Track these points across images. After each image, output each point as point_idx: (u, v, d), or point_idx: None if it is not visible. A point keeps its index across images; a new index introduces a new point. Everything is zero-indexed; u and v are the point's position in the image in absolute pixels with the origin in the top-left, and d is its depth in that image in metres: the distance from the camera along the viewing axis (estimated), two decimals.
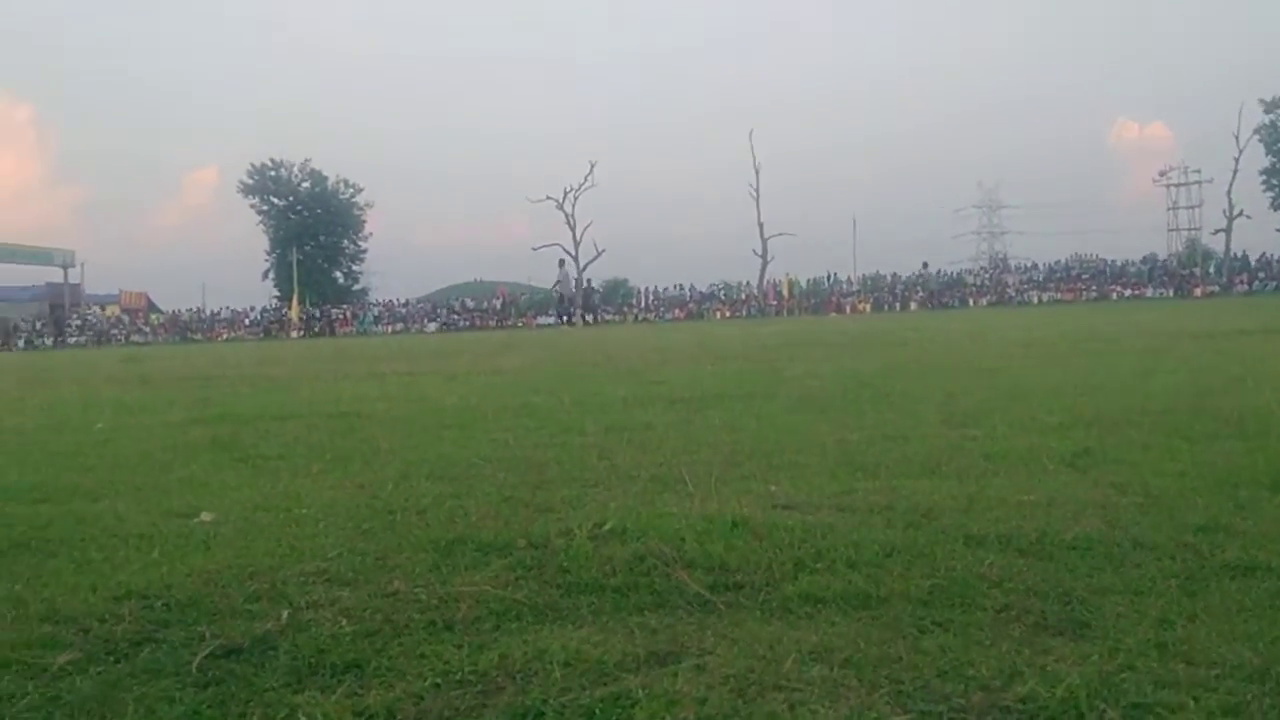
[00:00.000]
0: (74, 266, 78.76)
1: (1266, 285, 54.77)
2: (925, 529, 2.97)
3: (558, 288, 46.89)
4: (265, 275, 77.85)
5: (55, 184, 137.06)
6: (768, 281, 67.09)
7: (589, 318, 52.61)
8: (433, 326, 63.64)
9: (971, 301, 58.64)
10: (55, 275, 78.83)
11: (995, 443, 4.44)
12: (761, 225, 69.91)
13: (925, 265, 64.10)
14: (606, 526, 3.01)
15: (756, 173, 68.56)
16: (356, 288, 79.41)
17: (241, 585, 2.61)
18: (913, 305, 59.03)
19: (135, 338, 63.26)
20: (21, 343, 60.44)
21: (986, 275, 64.69)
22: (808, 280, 65.85)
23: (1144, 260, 61.26)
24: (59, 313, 71.22)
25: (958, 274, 65.24)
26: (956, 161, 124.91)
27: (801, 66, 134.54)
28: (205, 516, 3.43)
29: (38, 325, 67.54)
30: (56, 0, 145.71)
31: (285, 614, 2.35)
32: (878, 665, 1.98)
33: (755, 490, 3.58)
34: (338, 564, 2.79)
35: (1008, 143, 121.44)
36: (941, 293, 60.54)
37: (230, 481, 4.21)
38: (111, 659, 2.16)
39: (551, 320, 59.22)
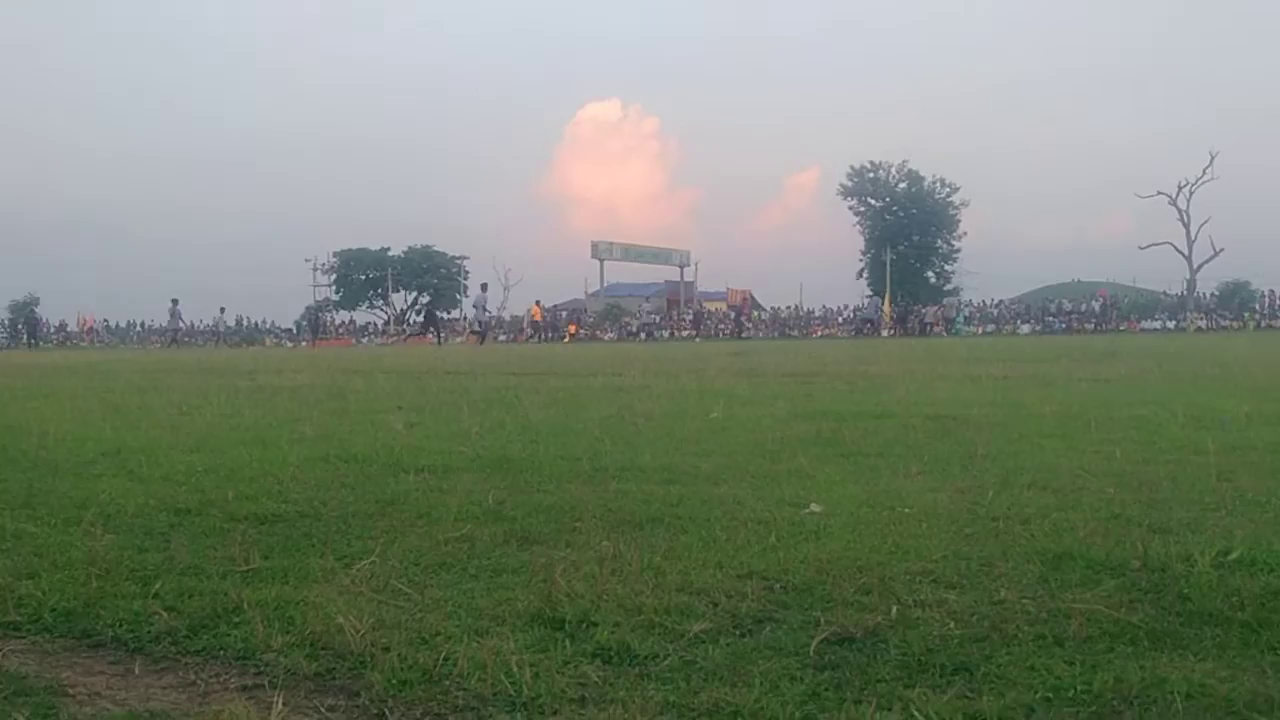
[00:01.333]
0: (689, 266, 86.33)
1: None
2: None
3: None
4: (859, 274, 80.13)
5: (674, 189, 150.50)
6: None
7: None
8: (1025, 328, 61.81)
9: None
10: (674, 274, 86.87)
11: None
12: None
13: None
14: (1233, 555, 2.79)
15: None
16: (949, 287, 79.22)
17: (851, 577, 2.74)
18: None
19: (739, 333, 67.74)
20: (642, 335, 67.06)
21: None
22: None
23: None
24: (675, 308, 78.27)
25: None
26: None
27: None
28: (815, 508, 3.63)
29: (657, 319, 74.63)
30: (681, 18, 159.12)
31: (894, 609, 2.44)
32: None
33: None
34: (943, 566, 2.84)
35: None
36: None
37: (834, 476, 4.40)
38: (738, 632, 2.37)
39: (1157, 326, 55.18)
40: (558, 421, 6.80)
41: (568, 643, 2.29)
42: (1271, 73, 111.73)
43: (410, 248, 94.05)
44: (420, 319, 48.33)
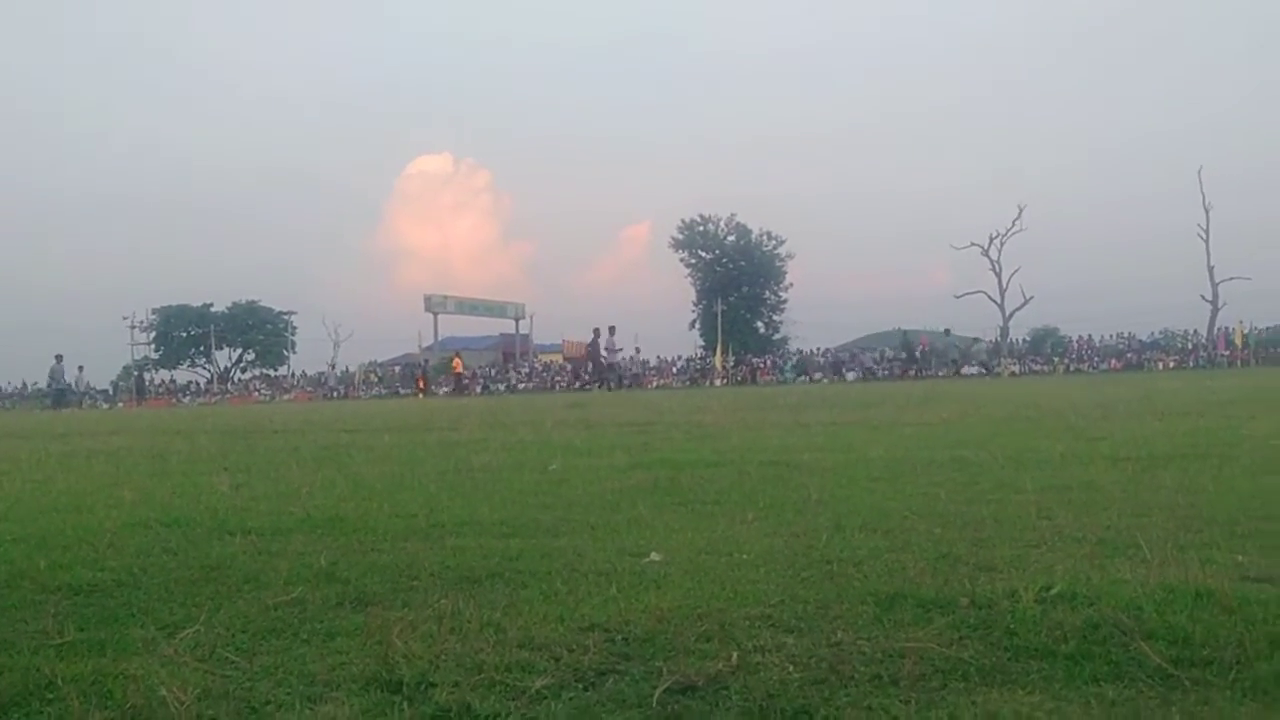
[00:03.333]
0: (524, 318, 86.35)
1: None
2: None
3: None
4: (692, 325, 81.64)
5: (509, 242, 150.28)
6: (1218, 330, 62.01)
7: None
8: (851, 376, 63.63)
9: None
10: (509, 326, 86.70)
11: None
12: (1211, 269, 65.22)
13: None
14: (1054, 590, 2.90)
15: (1206, 213, 64.30)
16: (777, 337, 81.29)
17: (692, 625, 2.74)
18: None
19: (575, 385, 67.84)
20: (479, 388, 66.49)
21: None
22: (1265, 328, 59.89)
23: None
24: (511, 360, 78.03)
25: None
26: None
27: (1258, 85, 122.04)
28: (655, 557, 3.64)
29: (493, 371, 74.24)
30: (512, 74, 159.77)
31: (735, 656, 2.45)
32: None
33: (1219, 560, 3.31)
34: (781, 610, 2.87)
35: None
36: None
37: (673, 524, 4.42)
38: (580, 686, 2.34)
39: (974, 371, 57.54)
40: (392, 478, 6.66)
41: (405, 705, 2.22)
42: (1072, 127, 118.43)
43: (235, 304, 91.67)
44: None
